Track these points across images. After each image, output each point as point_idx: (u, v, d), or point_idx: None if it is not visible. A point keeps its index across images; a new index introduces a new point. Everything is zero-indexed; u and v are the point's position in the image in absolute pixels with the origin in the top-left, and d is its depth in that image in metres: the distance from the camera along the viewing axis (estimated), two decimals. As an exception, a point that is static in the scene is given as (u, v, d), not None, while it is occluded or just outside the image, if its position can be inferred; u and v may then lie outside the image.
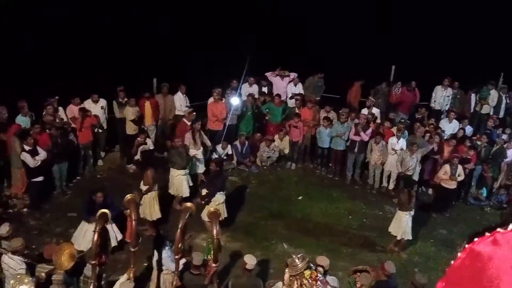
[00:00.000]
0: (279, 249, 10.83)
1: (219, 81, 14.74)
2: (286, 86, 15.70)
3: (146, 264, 9.70)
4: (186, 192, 11.87)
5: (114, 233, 10.13)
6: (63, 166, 12.26)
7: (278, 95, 14.97)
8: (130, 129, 13.68)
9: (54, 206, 12.02)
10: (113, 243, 10.08)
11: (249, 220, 12.03)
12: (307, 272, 6.53)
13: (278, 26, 19.88)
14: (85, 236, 10.02)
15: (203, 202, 10.67)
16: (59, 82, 14.48)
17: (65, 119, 12.94)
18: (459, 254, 2.10)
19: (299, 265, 6.48)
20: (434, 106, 15.93)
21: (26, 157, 11.15)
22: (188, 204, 8.21)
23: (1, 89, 12.92)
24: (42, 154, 11.36)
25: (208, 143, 13.37)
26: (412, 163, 12.74)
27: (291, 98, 15.44)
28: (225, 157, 14.06)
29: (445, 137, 13.74)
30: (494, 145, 13.48)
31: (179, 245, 7.67)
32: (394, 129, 13.58)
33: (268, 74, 15.75)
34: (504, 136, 13.80)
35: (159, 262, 8.49)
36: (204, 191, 10.99)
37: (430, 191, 13.62)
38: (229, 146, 14.12)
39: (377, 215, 12.64)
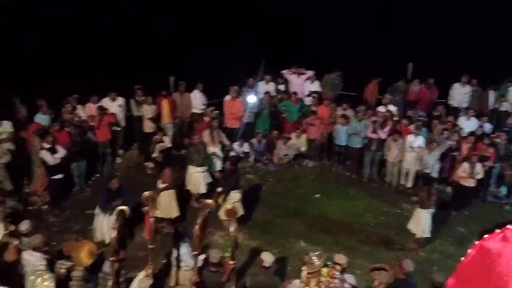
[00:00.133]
0: (296, 247, 10.82)
1: (235, 79, 14.76)
2: (302, 84, 15.67)
3: (164, 261, 9.76)
4: (203, 189, 11.92)
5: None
6: (81, 164, 12.40)
7: (295, 93, 14.96)
8: (148, 127, 13.78)
9: (73, 203, 12.16)
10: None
11: (266, 218, 12.04)
12: (324, 270, 6.54)
13: (278, 26, 19.81)
14: (102, 226, 10.20)
15: (218, 200, 10.71)
16: (78, 81, 14.61)
17: (83, 117, 13.07)
18: (469, 251, 2.10)
19: (317, 262, 6.49)
20: (452, 104, 15.79)
21: (45, 155, 11.28)
22: (208, 201, 8.27)
23: (21, 87, 13.09)
24: (61, 152, 11.49)
25: (227, 141, 13.43)
26: (431, 161, 12.66)
27: (308, 95, 15.41)
28: (242, 155, 14.11)
29: (464, 135, 13.62)
30: (514, 143, 13.34)
31: (197, 241, 7.73)
32: (412, 127, 13.49)
33: (284, 72, 15.74)
34: (524, 134, 13.64)
35: (178, 258, 8.55)
36: (219, 189, 11.06)
37: (449, 189, 13.51)
38: (246, 144, 14.16)
39: (395, 213, 12.57)
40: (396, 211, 12.66)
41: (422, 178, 12.96)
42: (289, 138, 14.49)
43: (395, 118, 14.18)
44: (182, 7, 20.80)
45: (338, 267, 7.09)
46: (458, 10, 20.98)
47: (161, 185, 10.77)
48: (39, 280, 7.01)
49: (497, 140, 13.28)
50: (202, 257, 8.05)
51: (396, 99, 15.28)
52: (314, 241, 10.96)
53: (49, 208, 11.86)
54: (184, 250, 8.51)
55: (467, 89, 15.60)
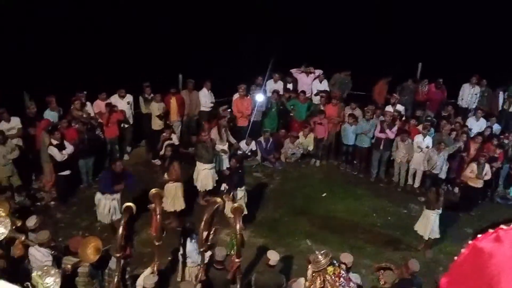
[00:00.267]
0: (302, 246, 10.79)
1: (243, 77, 14.76)
2: (311, 83, 15.65)
3: (170, 258, 9.80)
4: (210, 186, 11.94)
5: (115, 209, 10.46)
6: (89, 161, 12.46)
7: (303, 92, 14.94)
8: (156, 124, 13.81)
9: (80, 199, 12.21)
10: (114, 218, 10.43)
11: (273, 216, 12.05)
12: (330, 269, 6.52)
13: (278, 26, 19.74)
14: (105, 209, 10.36)
15: (225, 198, 10.72)
16: (87, 78, 14.65)
17: (92, 114, 13.12)
18: (462, 250, 2.09)
19: (322, 261, 6.48)
20: (461, 104, 15.70)
21: (53, 151, 11.34)
22: (218, 199, 8.30)
23: (30, 84, 13.16)
24: (69, 149, 11.55)
25: (233, 140, 13.45)
26: (439, 161, 12.61)
27: (316, 94, 15.38)
28: (249, 153, 14.12)
29: (472, 136, 13.55)
30: (523, 144, 13.25)
31: (204, 238, 7.75)
32: (420, 127, 13.44)
33: (293, 70, 15.72)
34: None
35: (184, 255, 8.58)
36: (223, 186, 11.09)
37: (456, 189, 13.46)
38: (253, 142, 14.17)
39: (402, 213, 12.54)
40: (403, 211, 12.63)
41: (430, 178, 12.91)
42: (297, 137, 14.48)
43: (403, 118, 14.15)
44: (189, 6, 20.79)
45: (343, 266, 7.08)
46: (469, 10, 20.85)
47: (167, 178, 10.81)
48: (45, 275, 7.04)
49: (506, 141, 13.21)
50: (208, 254, 8.06)
51: (405, 99, 15.24)
52: (320, 240, 10.93)
53: (56, 204, 11.94)
54: (191, 247, 8.54)
55: (477, 89, 15.51)
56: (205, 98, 14.61)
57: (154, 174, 12.97)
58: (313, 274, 6.66)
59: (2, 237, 7.54)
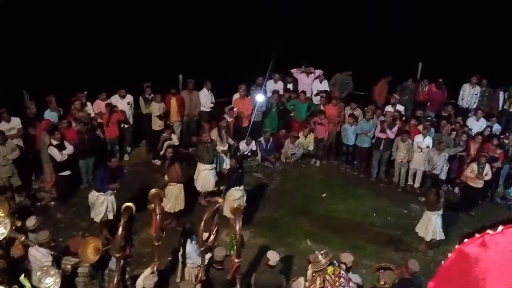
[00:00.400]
0: (302, 246, 10.79)
1: (243, 77, 14.75)
2: (311, 83, 15.64)
3: (170, 258, 9.79)
4: (211, 187, 11.93)
5: (112, 207, 10.47)
6: (89, 161, 12.44)
7: (303, 92, 14.94)
8: (156, 125, 13.80)
9: (80, 200, 12.16)
10: (110, 216, 10.40)
11: (273, 216, 12.05)
12: (330, 269, 6.51)
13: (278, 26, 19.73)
14: (102, 206, 10.34)
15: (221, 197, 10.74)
16: (87, 78, 14.65)
17: (92, 115, 13.11)
18: (449, 255, 2.09)
19: (322, 261, 6.47)
20: (461, 104, 15.68)
21: (53, 151, 11.33)
22: (219, 199, 8.30)
23: (30, 84, 13.16)
24: (69, 149, 11.54)
25: (231, 141, 13.45)
26: (439, 161, 12.60)
27: (316, 95, 15.38)
28: (249, 153, 14.12)
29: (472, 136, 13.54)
30: (523, 144, 13.24)
31: (204, 238, 7.74)
32: (420, 127, 13.43)
33: (293, 70, 15.72)
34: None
35: (184, 255, 8.57)
36: (222, 187, 11.10)
37: (457, 189, 13.45)
38: (253, 142, 14.16)
39: (402, 213, 12.54)
40: (403, 211, 12.63)
41: (430, 179, 12.90)
42: (297, 137, 14.47)
43: (403, 118, 14.14)
44: (189, 6, 20.80)
45: (343, 266, 7.08)
46: (469, 9, 20.85)
47: (168, 179, 10.81)
48: (45, 275, 7.04)
49: (506, 141, 13.20)
50: (208, 255, 8.04)
51: (405, 99, 15.23)
52: (320, 240, 10.92)
53: (56, 204, 11.95)
54: (190, 247, 8.53)
55: (477, 89, 15.49)
56: (205, 98, 14.61)
57: (154, 174, 12.97)
58: (313, 274, 6.65)
59: (2, 237, 7.54)
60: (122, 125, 13.63)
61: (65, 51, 17.04)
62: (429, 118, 14.14)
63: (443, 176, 12.95)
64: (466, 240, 2.06)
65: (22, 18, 17.74)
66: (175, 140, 12.96)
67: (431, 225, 10.71)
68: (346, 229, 11.69)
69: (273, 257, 7.80)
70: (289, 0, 21.77)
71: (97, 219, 10.46)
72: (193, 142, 13.43)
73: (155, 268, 7.79)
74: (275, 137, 14.49)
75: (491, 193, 13.35)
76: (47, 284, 6.94)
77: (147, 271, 7.70)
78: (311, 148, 14.58)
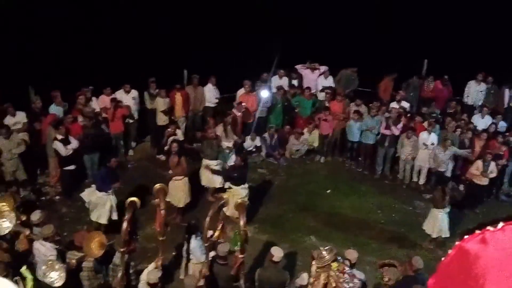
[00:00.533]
0: (307, 242, 10.81)
1: (243, 77, 14.73)
2: (316, 79, 15.63)
3: (174, 253, 9.81)
4: (217, 183, 11.93)
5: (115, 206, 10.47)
6: (94, 156, 12.44)
7: (308, 88, 14.92)
8: (161, 120, 13.81)
9: (85, 194, 12.23)
10: (114, 216, 10.38)
11: (277, 213, 12.05)
12: (334, 265, 6.52)
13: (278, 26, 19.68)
14: (105, 207, 10.34)
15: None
16: (92, 73, 14.67)
17: (97, 109, 13.12)
18: (449, 251, 2.08)
19: (326, 257, 6.47)
20: (467, 102, 15.62)
21: (58, 145, 11.36)
22: (224, 195, 8.31)
23: (36, 78, 13.18)
24: (74, 143, 11.56)
25: (235, 138, 13.43)
26: (445, 159, 12.56)
27: (321, 91, 15.36)
28: (254, 149, 14.12)
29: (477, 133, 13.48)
30: (528, 141, 13.18)
31: (208, 233, 7.75)
32: (425, 124, 13.39)
33: (298, 66, 15.70)
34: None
35: (188, 251, 8.59)
36: (226, 184, 11.11)
37: (462, 187, 13.41)
38: (258, 138, 14.15)
39: (407, 210, 12.52)
40: (408, 208, 12.61)
41: (435, 176, 12.87)
42: (302, 133, 14.45)
43: (409, 115, 14.10)
44: (189, 6, 20.76)
45: (347, 262, 7.08)
46: (475, 6, 20.76)
47: (173, 173, 10.83)
48: (50, 269, 7.07)
49: (511, 138, 13.14)
50: (212, 253, 8.04)
51: (410, 96, 15.19)
52: (324, 236, 10.96)
53: (61, 198, 11.98)
54: (195, 243, 8.55)
55: (483, 86, 15.43)
56: (210, 94, 14.61)
57: (159, 170, 12.99)
58: (317, 270, 6.66)
59: (7, 231, 7.59)
60: (127, 120, 13.63)
61: (66, 50, 17.01)
62: (434, 115, 14.08)
63: (448, 174, 12.91)
64: (466, 236, 2.06)
65: (22, 18, 17.73)
66: (179, 135, 12.97)
67: (437, 223, 10.70)
68: (350, 226, 11.69)
69: (277, 253, 7.80)
70: (289, 0, 21.69)
71: (103, 220, 10.45)
72: (198, 137, 13.43)
73: (159, 263, 7.81)
74: (280, 133, 14.48)
75: (496, 191, 13.31)
76: (51, 278, 6.98)
77: (151, 266, 7.72)
78: (315, 144, 14.56)
